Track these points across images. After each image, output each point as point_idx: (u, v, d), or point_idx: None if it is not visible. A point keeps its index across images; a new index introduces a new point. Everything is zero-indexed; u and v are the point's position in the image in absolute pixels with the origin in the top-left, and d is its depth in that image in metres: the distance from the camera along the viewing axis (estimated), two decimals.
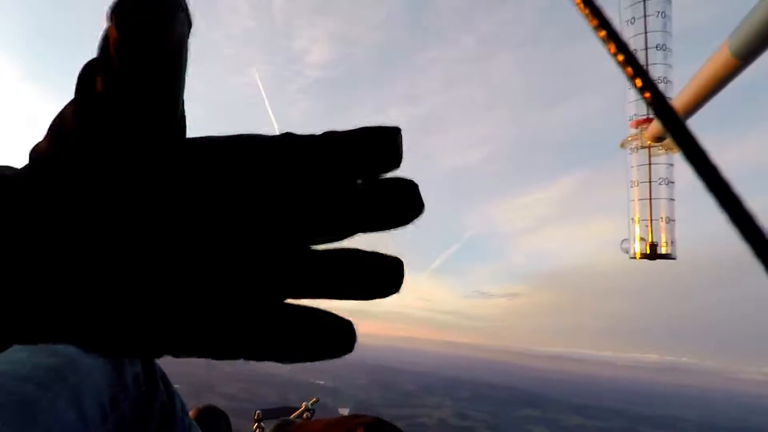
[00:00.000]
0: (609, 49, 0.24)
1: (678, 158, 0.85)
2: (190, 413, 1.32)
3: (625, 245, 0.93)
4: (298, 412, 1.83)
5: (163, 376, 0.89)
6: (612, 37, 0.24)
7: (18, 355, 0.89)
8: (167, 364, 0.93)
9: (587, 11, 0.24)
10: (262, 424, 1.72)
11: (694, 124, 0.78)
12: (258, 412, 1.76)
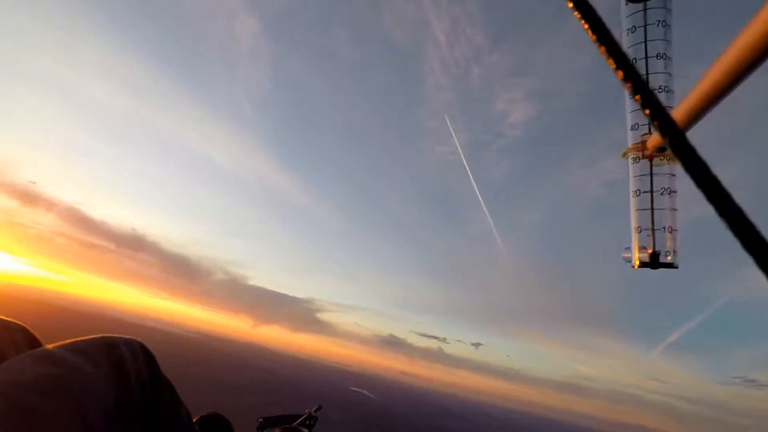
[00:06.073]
0: (609, 64, 0.25)
1: (680, 168, 0.85)
2: (194, 419, 1.32)
3: (626, 254, 0.93)
4: (301, 419, 1.81)
5: (169, 384, 0.89)
6: (612, 51, 0.25)
7: (21, 364, 0.89)
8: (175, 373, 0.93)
9: (587, 25, 0.25)
10: None
11: (694, 135, 0.79)
12: (260, 420, 1.74)
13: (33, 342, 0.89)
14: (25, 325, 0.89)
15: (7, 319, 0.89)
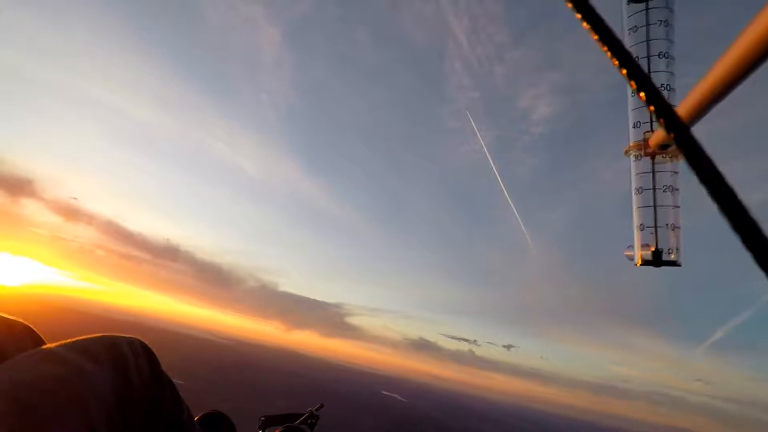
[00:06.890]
0: (613, 63, 0.25)
1: (683, 166, 0.85)
2: (195, 418, 1.32)
3: (629, 252, 0.93)
4: (302, 417, 1.82)
5: (170, 382, 0.90)
6: (615, 49, 0.25)
7: (24, 362, 0.90)
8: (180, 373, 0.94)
9: (588, 25, 0.26)
10: (267, 430, 1.71)
11: (698, 131, 0.79)
12: (262, 418, 1.74)
13: (36, 340, 0.89)
14: (27, 324, 0.89)
15: (10, 317, 0.89)
